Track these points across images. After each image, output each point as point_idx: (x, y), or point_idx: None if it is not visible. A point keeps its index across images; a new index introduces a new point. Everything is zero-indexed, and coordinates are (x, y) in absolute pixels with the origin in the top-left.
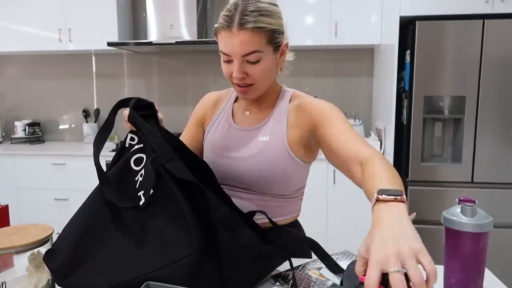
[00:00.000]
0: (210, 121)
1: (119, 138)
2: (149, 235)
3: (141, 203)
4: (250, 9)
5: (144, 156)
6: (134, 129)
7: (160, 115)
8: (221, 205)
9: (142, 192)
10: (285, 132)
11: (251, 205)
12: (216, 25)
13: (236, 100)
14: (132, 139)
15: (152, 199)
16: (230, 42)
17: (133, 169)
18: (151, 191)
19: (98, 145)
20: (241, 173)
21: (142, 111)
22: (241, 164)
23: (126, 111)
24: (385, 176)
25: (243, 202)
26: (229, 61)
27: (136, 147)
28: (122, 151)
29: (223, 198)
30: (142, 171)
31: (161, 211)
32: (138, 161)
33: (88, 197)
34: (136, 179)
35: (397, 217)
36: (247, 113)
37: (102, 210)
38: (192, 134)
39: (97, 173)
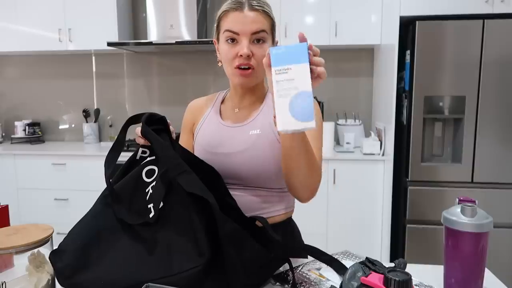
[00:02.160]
0: (198, 124)
1: None
2: (157, 245)
3: (151, 215)
4: None
5: (156, 168)
6: (147, 144)
7: (171, 128)
8: (227, 220)
9: (152, 205)
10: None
11: (245, 201)
12: (221, 11)
13: (223, 101)
14: (144, 152)
15: (162, 211)
16: (241, 21)
17: (145, 180)
18: (161, 204)
19: (109, 164)
20: (236, 168)
21: (154, 126)
22: (235, 159)
23: (138, 128)
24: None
25: (237, 199)
26: (233, 41)
27: (148, 159)
28: (132, 163)
29: (231, 204)
30: (154, 183)
31: (171, 222)
32: (149, 173)
33: (97, 201)
34: (147, 190)
35: None
36: (236, 110)
37: (112, 220)
38: (185, 143)
39: (109, 192)
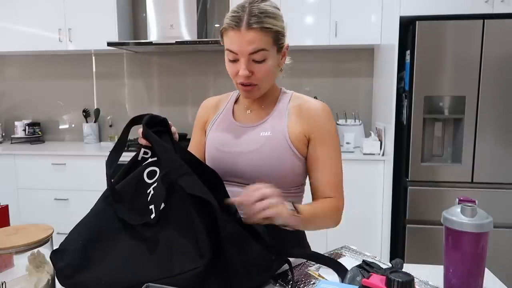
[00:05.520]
0: (210, 121)
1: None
2: (158, 246)
3: (152, 216)
4: (257, 11)
5: (157, 169)
6: (149, 145)
7: (173, 128)
8: (229, 221)
9: (153, 206)
10: (286, 128)
11: None
12: (223, 25)
13: (236, 101)
14: (145, 153)
15: (163, 212)
16: (238, 41)
17: (146, 182)
18: (162, 205)
19: (111, 164)
20: (243, 168)
21: (156, 127)
22: (243, 158)
23: (141, 129)
24: (317, 212)
25: None
26: (235, 60)
27: (149, 160)
28: (134, 164)
29: (230, 209)
30: (155, 184)
31: (171, 224)
32: (151, 174)
33: (99, 201)
34: (148, 191)
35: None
36: (249, 111)
37: (113, 220)
38: (198, 139)
39: (110, 192)
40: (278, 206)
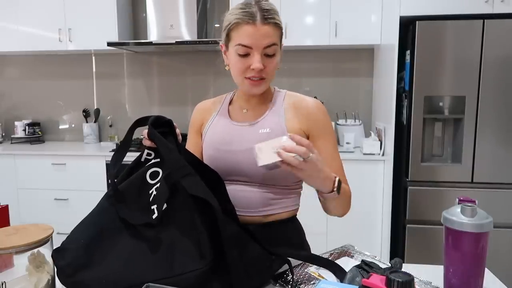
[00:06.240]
0: (206, 123)
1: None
2: (159, 246)
3: (154, 216)
4: (266, 8)
5: (160, 170)
6: (153, 146)
7: (177, 130)
8: (229, 223)
9: (156, 206)
10: (285, 125)
11: (252, 197)
12: (231, 21)
13: (230, 102)
14: (149, 154)
15: (165, 213)
16: (253, 34)
17: (149, 182)
18: (165, 205)
19: (115, 164)
20: (243, 165)
21: (161, 128)
22: (244, 157)
23: (146, 130)
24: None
25: (244, 195)
26: (245, 55)
27: (153, 161)
28: (137, 165)
29: (230, 212)
30: (157, 185)
31: (173, 224)
32: (154, 175)
33: (101, 201)
34: (150, 192)
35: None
36: (245, 111)
37: (115, 219)
38: (194, 141)
39: (113, 191)
40: (311, 171)
